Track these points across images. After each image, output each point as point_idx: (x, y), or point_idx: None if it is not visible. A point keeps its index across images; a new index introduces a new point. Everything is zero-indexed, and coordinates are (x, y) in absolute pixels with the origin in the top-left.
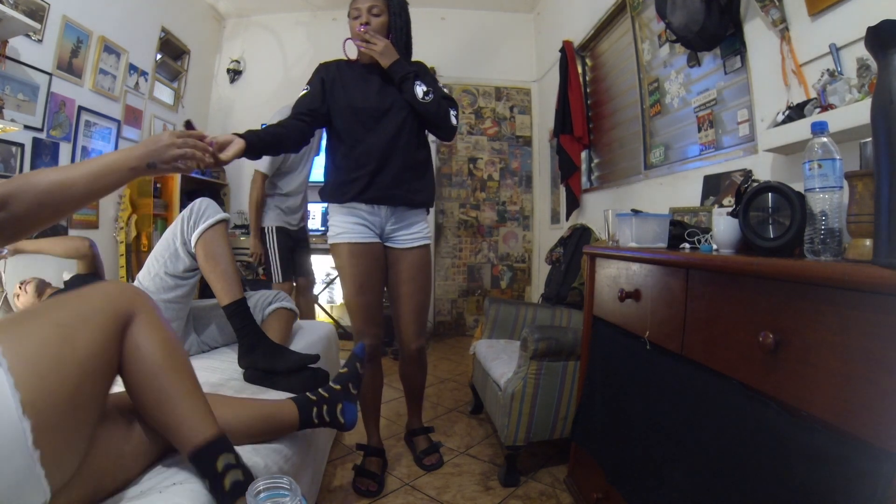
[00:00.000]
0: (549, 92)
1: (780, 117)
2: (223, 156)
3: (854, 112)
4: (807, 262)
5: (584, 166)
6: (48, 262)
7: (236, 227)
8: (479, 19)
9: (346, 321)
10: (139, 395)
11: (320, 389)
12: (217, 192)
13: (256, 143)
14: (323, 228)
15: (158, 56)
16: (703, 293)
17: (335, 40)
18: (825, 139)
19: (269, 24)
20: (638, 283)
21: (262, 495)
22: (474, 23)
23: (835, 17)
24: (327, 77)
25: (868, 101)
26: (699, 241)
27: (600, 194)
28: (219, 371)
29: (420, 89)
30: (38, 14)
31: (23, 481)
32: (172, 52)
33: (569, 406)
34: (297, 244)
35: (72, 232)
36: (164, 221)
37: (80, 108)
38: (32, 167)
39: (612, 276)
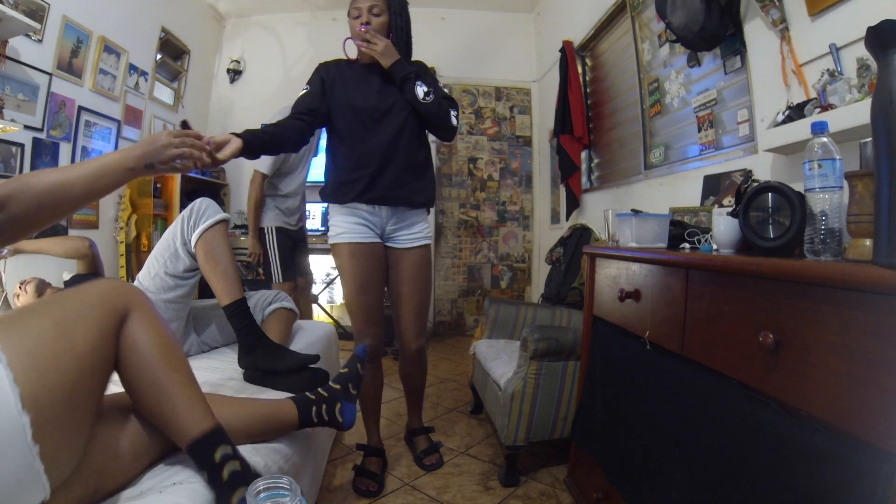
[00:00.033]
0: (549, 92)
1: (780, 117)
2: (220, 155)
3: (854, 112)
4: (807, 262)
5: (584, 166)
6: (48, 262)
7: (236, 227)
8: (479, 19)
9: (346, 321)
10: (136, 390)
11: (320, 389)
12: (217, 192)
13: (254, 143)
14: (323, 228)
15: (158, 56)
16: (703, 293)
17: (335, 40)
18: (825, 139)
19: (269, 24)
20: (638, 283)
21: (262, 495)
22: (474, 23)
23: (835, 17)
24: (327, 77)
25: (868, 101)
26: (699, 241)
27: (600, 194)
28: (219, 371)
29: (421, 90)
30: (38, 14)
31: (22, 476)
32: (172, 52)
33: (569, 406)
34: (296, 244)
35: (72, 232)
36: (164, 221)
37: (80, 108)
38: (32, 167)
39: (612, 276)
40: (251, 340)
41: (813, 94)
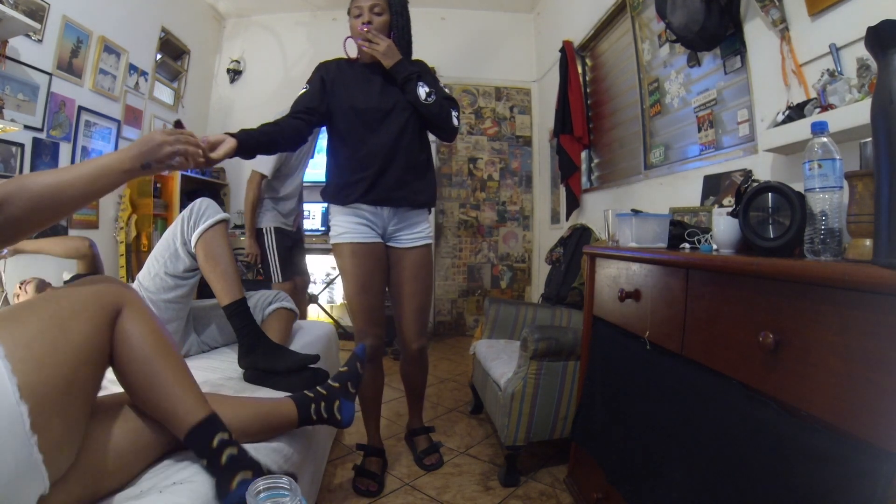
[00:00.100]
0: (549, 92)
1: (780, 117)
2: (213, 155)
3: (854, 112)
4: (807, 262)
5: (584, 166)
6: (48, 262)
7: (236, 227)
8: (479, 19)
9: (346, 321)
10: (132, 384)
11: (318, 387)
12: (217, 192)
13: (248, 143)
14: (323, 228)
15: (158, 56)
16: (703, 293)
17: (335, 40)
18: (825, 139)
19: (269, 24)
20: (638, 283)
21: (262, 495)
22: (474, 23)
23: (835, 17)
24: (327, 76)
25: (868, 101)
26: (699, 241)
27: (600, 194)
28: (219, 371)
29: (423, 91)
30: (38, 14)
31: (22, 467)
32: (172, 52)
33: (569, 406)
34: (294, 244)
35: (72, 232)
36: (164, 221)
37: (80, 108)
38: (32, 167)
39: (612, 276)
40: (251, 340)
41: (813, 94)
